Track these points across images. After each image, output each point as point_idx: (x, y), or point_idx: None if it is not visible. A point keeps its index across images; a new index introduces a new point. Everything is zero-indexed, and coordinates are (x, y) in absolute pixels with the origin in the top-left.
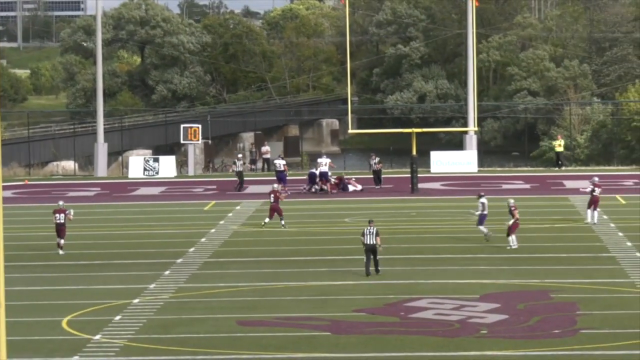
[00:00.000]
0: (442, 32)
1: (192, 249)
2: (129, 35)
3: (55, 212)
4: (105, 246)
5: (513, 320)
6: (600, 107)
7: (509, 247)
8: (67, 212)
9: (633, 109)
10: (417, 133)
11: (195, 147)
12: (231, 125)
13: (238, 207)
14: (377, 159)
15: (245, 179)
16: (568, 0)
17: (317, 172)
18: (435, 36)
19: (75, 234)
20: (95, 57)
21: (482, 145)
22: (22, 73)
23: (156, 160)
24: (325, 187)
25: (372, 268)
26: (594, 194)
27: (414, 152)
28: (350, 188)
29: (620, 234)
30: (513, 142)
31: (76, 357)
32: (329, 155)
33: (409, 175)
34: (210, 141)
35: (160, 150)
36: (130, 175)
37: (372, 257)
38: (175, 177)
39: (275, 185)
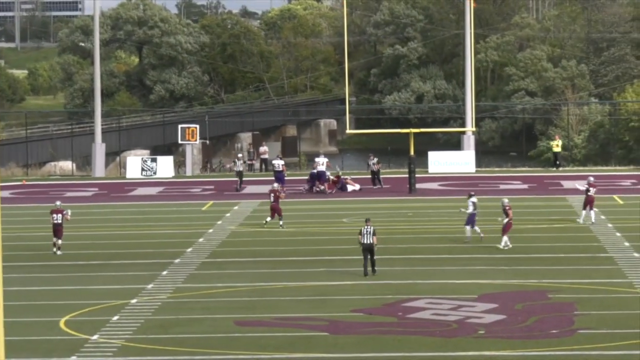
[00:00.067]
0: (440, 32)
1: (189, 249)
2: (127, 35)
3: (52, 212)
4: (103, 246)
5: (511, 321)
6: (597, 107)
7: (500, 247)
8: (64, 212)
9: (631, 109)
10: (414, 133)
11: (193, 148)
12: (229, 126)
13: (236, 207)
14: (376, 160)
15: (243, 179)
16: (566, 1)
17: (315, 172)
18: (433, 36)
19: (73, 234)
20: (93, 57)
21: (479, 145)
22: (20, 73)
23: (154, 160)
24: (323, 187)
25: (369, 268)
26: (589, 193)
27: (412, 152)
28: (349, 188)
29: (618, 234)
30: (511, 143)
31: (74, 357)
32: (326, 155)
33: (407, 176)
34: (208, 141)
35: (158, 150)
36: (128, 176)
37: (369, 256)
38: (173, 177)
39: (275, 185)
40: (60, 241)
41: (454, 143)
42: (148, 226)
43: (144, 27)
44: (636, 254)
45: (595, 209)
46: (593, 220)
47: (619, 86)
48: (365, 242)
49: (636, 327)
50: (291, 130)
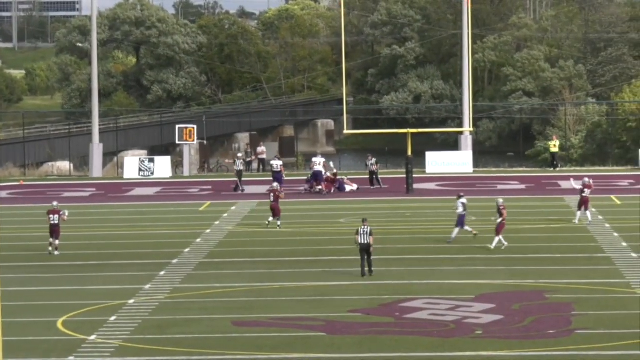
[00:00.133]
0: (438, 32)
1: (187, 250)
2: (124, 35)
3: (49, 212)
4: (101, 247)
5: (508, 321)
6: (595, 107)
7: (491, 247)
8: (61, 212)
9: (628, 109)
10: (412, 133)
11: (190, 148)
12: (226, 126)
13: (233, 208)
14: (374, 160)
15: (242, 179)
16: (563, 1)
17: (312, 172)
18: (430, 37)
19: (71, 234)
20: (91, 58)
21: (477, 145)
22: (17, 73)
23: (151, 160)
24: (320, 187)
25: (366, 268)
26: (584, 194)
27: (409, 153)
28: (347, 188)
29: (616, 234)
30: (508, 143)
31: (71, 358)
32: (324, 155)
33: (404, 176)
34: (205, 142)
35: (155, 150)
36: (125, 176)
37: (365, 256)
38: (171, 177)
39: (275, 185)
40: (57, 242)
41: (451, 143)
42: (145, 226)
43: (141, 27)
44: (634, 254)
45: (592, 209)
46: (589, 220)
47: (617, 86)
48: (362, 242)
49: (634, 327)
50: (289, 131)
